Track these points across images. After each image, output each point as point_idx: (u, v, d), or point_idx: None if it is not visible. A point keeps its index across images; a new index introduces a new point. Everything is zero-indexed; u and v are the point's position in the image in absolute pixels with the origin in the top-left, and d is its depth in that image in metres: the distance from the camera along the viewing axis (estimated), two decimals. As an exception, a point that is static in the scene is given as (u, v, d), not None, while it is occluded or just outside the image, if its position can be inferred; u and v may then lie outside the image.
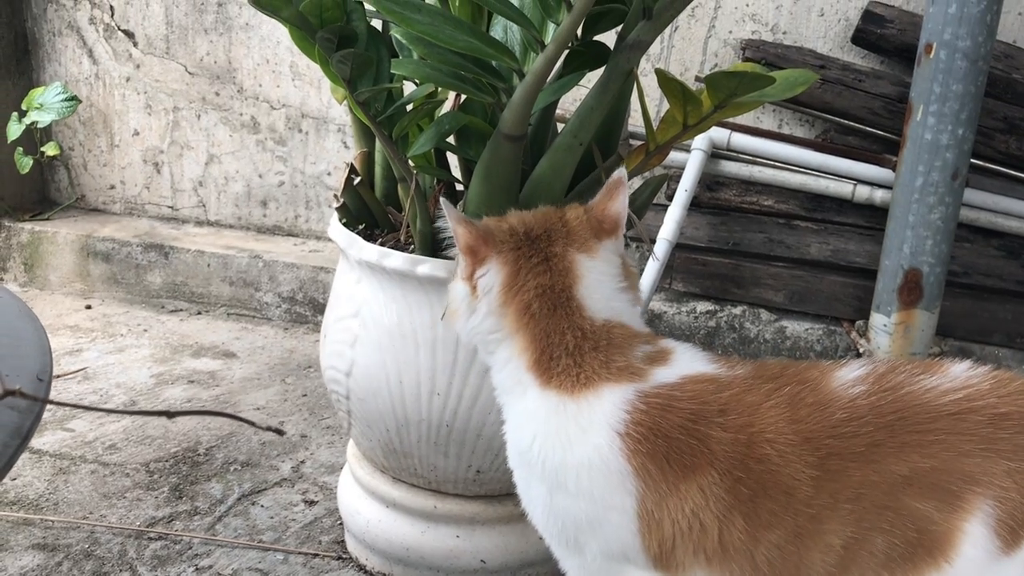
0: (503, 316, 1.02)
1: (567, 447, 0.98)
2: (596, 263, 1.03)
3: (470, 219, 1.01)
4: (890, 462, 0.92)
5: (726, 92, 1.10)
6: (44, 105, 2.55)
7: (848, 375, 0.97)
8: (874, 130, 2.20)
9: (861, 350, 2.18)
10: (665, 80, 1.10)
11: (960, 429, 0.92)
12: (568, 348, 0.99)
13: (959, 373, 0.96)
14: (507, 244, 1.02)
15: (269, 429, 0.49)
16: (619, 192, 1.05)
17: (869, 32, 2.18)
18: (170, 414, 0.52)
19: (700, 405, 0.96)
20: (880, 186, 2.19)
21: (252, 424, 0.51)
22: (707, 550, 0.94)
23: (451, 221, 1.00)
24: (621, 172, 1.06)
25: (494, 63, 1.18)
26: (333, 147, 2.60)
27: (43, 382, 0.75)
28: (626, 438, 0.95)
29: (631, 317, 1.05)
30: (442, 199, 1.01)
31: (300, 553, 1.55)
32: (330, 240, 2.67)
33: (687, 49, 2.32)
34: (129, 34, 2.64)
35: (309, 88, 2.57)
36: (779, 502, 0.93)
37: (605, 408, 0.97)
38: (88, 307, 2.59)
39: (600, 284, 1.03)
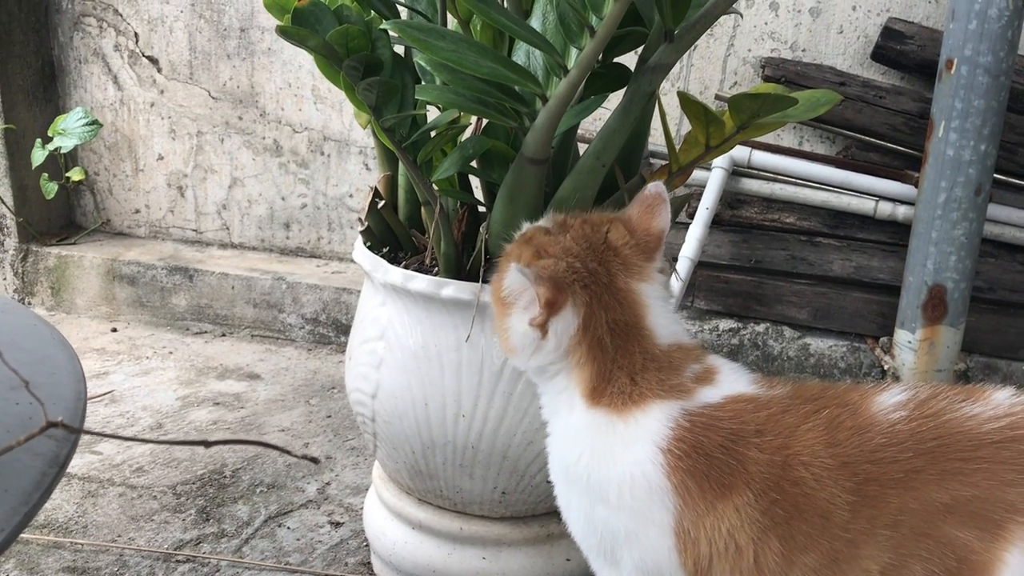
0: (574, 353, 1.02)
1: (611, 461, 0.99)
2: (654, 288, 1.04)
3: (542, 274, 0.99)
4: (930, 489, 0.91)
5: (749, 113, 1.10)
6: (66, 130, 2.58)
7: (889, 400, 0.96)
8: (895, 146, 2.20)
9: (885, 367, 2.17)
10: (687, 102, 1.11)
11: (1003, 458, 0.91)
12: (633, 370, 1.00)
13: (1002, 400, 0.95)
14: (578, 284, 1.01)
15: (304, 458, 0.49)
16: (661, 209, 1.05)
17: (889, 48, 2.18)
18: (207, 443, 0.52)
19: (739, 425, 0.97)
20: (902, 202, 2.19)
21: (288, 453, 0.52)
22: (743, 571, 0.94)
23: (532, 284, 0.99)
24: (660, 187, 1.06)
25: (517, 88, 1.19)
26: (355, 169, 2.62)
27: (79, 411, 0.76)
28: (668, 454, 0.96)
29: (685, 335, 1.06)
30: (514, 265, 0.99)
31: (327, 575, 1.55)
32: (352, 261, 2.69)
33: (706, 68, 2.33)
34: (153, 60, 2.67)
35: (331, 111, 2.59)
36: (815, 525, 0.93)
37: (651, 424, 0.98)
38: (114, 330, 2.61)
39: (662, 309, 1.04)
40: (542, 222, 1.10)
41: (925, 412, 0.94)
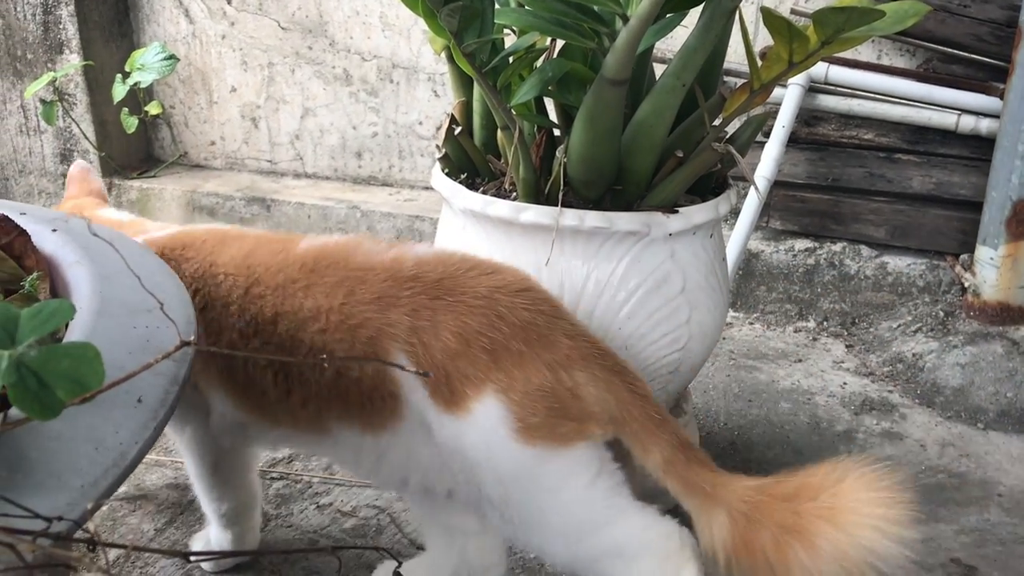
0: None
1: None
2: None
3: None
4: (300, 297, 1.08)
5: (834, 28, 1.08)
6: (145, 65, 2.63)
7: (314, 241, 1.16)
8: (980, 57, 2.13)
9: (966, 284, 2.14)
10: (771, 18, 1.09)
11: (365, 279, 1.07)
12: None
13: (411, 248, 1.13)
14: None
15: (418, 373, 0.52)
16: (89, 174, 1.45)
17: (975, -46, 2.10)
18: (324, 360, 0.55)
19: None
20: (986, 115, 2.12)
21: (401, 368, 0.55)
22: None
23: None
24: (79, 164, 1.47)
25: (596, 8, 1.19)
26: (424, 96, 2.63)
27: (190, 334, 0.81)
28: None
29: None
30: None
31: (413, 491, 1.61)
32: (424, 189, 2.71)
33: (781, -19, 2.27)
34: (223, -8, 2.70)
35: (399, 38, 2.59)
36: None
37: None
38: (196, 260, 2.69)
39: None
40: None
41: (336, 245, 1.14)
